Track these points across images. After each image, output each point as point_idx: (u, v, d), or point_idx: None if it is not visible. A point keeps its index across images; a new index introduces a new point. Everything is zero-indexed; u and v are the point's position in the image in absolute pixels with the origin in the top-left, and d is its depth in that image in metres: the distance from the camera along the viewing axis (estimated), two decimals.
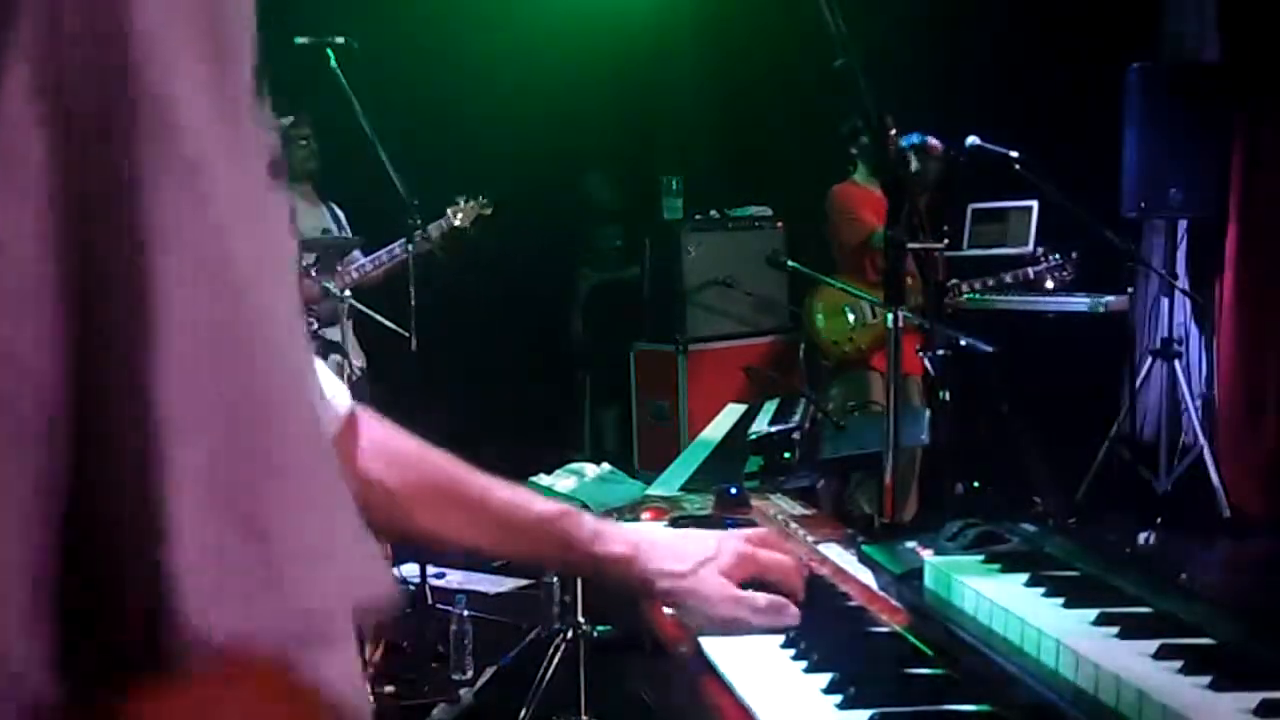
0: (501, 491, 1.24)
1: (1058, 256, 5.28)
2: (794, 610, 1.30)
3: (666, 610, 1.38)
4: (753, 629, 1.29)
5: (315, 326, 4.70)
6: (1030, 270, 5.29)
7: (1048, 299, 5.78)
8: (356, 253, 5.05)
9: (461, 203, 5.09)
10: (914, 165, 4.09)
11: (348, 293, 4.72)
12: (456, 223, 5.06)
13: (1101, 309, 5.75)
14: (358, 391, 4.22)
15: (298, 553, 0.53)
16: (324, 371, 1.12)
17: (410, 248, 4.72)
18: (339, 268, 4.94)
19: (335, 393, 1.13)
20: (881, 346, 4.79)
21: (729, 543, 1.32)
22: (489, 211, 5.16)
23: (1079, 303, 5.78)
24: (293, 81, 5.04)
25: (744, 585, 1.31)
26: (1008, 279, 5.28)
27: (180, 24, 0.51)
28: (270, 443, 0.53)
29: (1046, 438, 5.13)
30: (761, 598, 1.29)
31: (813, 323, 5.32)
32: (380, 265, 4.95)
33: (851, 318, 5.19)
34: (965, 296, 5.29)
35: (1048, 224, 5.93)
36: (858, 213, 5.09)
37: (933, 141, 4.80)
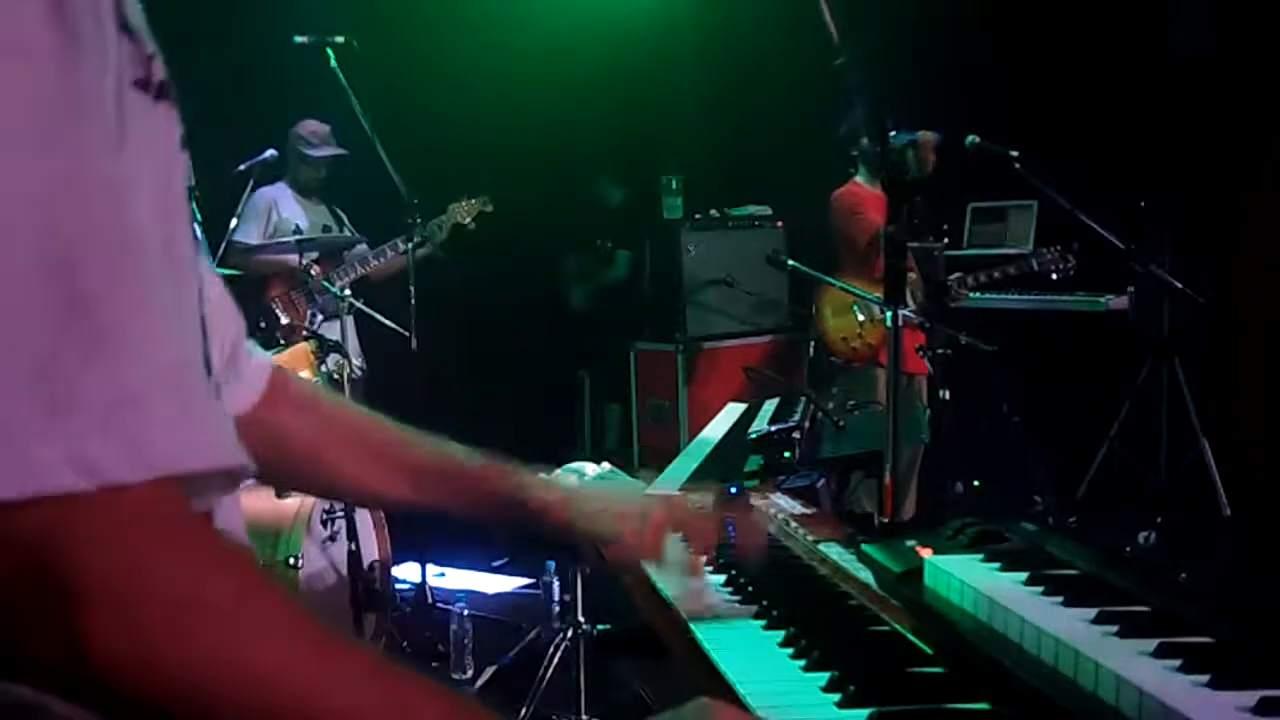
0: (425, 444, 1.27)
1: (1058, 248, 5.28)
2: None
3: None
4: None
5: (321, 318, 4.72)
6: (1034, 262, 5.29)
7: (1048, 298, 5.78)
8: (362, 248, 5.08)
9: (464, 200, 5.12)
10: (911, 161, 4.09)
11: (348, 291, 4.71)
12: (459, 219, 5.09)
13: (1102, 308, 5.75)
14: (358, 391, 4.26)
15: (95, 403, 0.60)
16: (244, 335, 1.14)
17: (410, 244, 4.74)
18: (342, 264, 4.97)
19: (257, 351, 1.16)
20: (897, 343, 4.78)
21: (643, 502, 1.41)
22: (490, 209, 5.19)
23: (1079, 302, 5.78)
24: (293, 81, 5.05)
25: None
26: (1011, 271, 5.29)
27: None
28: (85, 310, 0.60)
29: (1046, 437, 5.14)
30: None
31: (822, 319, 5.32)
32: (381, 260, 4.97)
33: (860, 315, 5.19)
34: (969, 295, 5.28)
35: (1048, 223, 5.93)
36: (863, 212, 5.10)
37: (925, 134, 4.79)
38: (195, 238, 0.80)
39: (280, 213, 5.12)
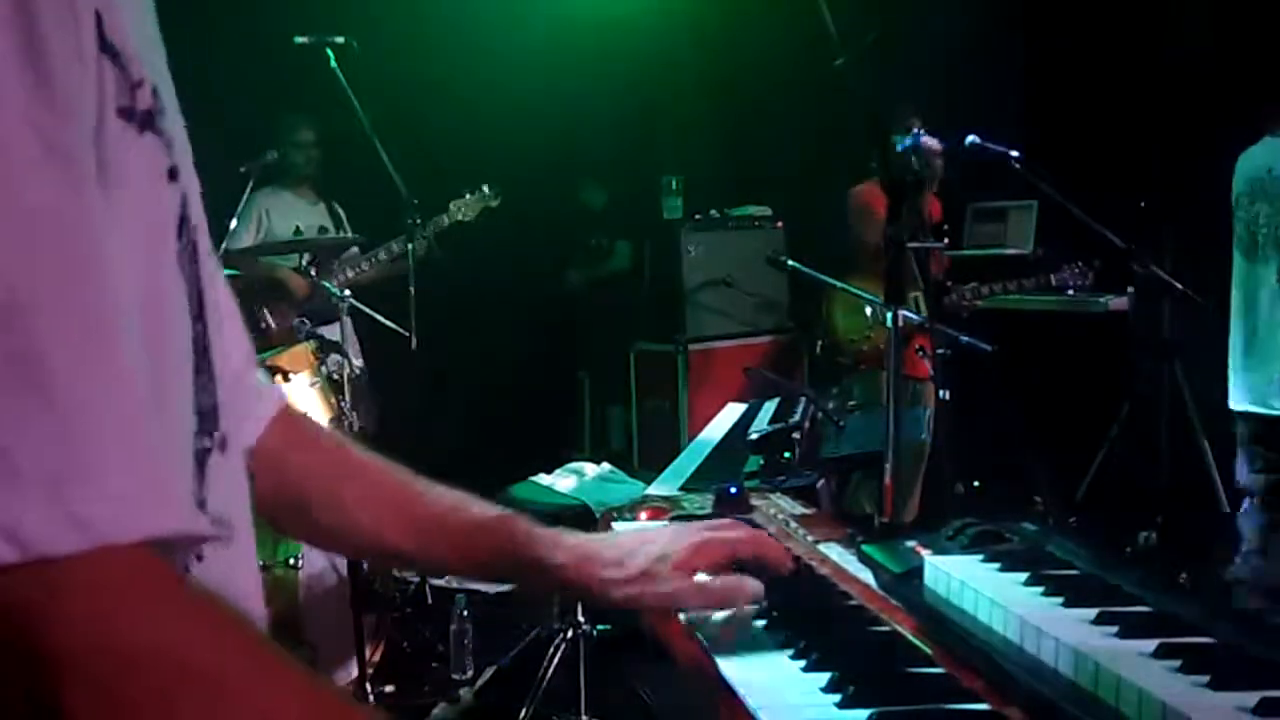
0: (440, 495, 1.21)
1: (1079, 264, 5.29)
2: (753, 584, 1.27)
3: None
4: (711, 608, 1.29)
5: (308, 325, 4.71)
6: (1051, 277, 5.29)
7: (1048, 299, 5.78)
8: (354, 250, 5.06)
9: (466, 195, 5.07)
10: (915, 166, 4.10)
11: (347, 292, 4.71)
12: (460, 217, 5.05)
13: (1102, 308, 5.75)
14: (358, 392, 4.25)
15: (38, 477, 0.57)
16: (252, 362, 1.09)
17: (410, 245, 4.73)
18: (335, 266, 4.95)
19: (265, 382, 1.11)
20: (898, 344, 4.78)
21: (683, 535, 1.28)
22: (496, 203, 5.12)
23: (1079, 302, 5.78)
24: (293, 81, 5.05)
25: (721, 568, 1.28)
26: (1027, 283, 5.29)
27: None
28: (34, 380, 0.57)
29: (1046, 437, 5.14)
30: (716, 582, 1.27)
31: (831, 319, 5.32)
32: (376, 263, 4.96)
33: (869, 315, 5.19)
34: (982, 300, 5.27)
35: (1048, 223, 5.93)
36: (875, 211, 5.10)
37: (928, 141, 4.79)
38: (188, 267, 0.74)
39: (272, 218, 5.12)
